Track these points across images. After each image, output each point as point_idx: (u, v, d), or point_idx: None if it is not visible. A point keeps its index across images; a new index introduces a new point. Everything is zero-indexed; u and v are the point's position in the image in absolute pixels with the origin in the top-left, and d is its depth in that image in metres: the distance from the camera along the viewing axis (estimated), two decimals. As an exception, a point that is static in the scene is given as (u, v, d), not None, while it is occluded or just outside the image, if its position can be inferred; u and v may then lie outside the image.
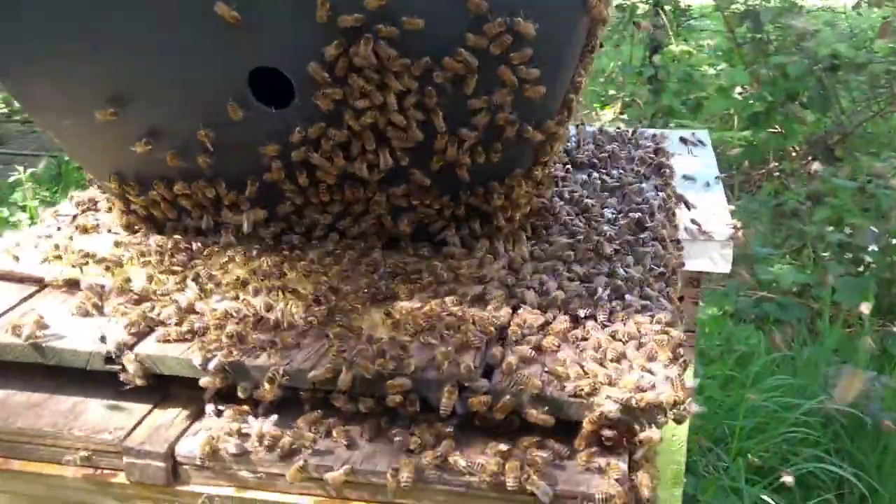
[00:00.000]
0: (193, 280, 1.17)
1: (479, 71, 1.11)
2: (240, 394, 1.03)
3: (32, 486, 1.04)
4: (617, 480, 0.90)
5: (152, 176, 1.28)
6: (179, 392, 1.09)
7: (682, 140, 2.99)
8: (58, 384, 1.10)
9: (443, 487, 0.95)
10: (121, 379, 1.06)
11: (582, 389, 0.94)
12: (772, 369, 3.74)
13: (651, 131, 1.94)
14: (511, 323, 1.08)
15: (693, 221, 2.25)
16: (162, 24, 1.14)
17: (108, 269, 1.20)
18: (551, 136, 1.16)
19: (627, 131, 1.91)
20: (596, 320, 1.09)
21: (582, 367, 0.98)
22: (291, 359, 1.04)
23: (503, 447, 0.94)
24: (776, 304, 4.30)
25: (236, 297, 1.14)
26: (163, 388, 1.09)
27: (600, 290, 1.15)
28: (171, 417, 1.05)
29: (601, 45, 1.26)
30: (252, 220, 1.28)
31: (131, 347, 1.07)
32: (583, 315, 1.10)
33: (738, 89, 5.20)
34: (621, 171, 1.64)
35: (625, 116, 5.44)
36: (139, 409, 1.06)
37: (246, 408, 1.03)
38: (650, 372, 0.99)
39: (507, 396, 0.96)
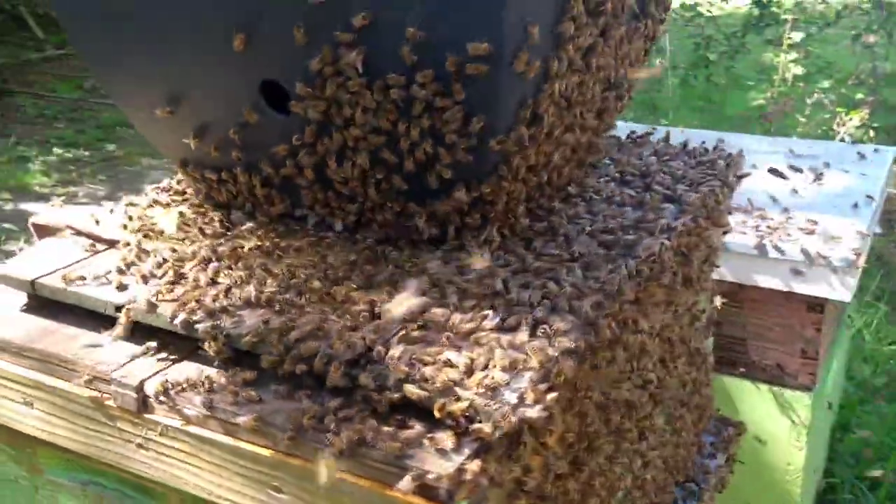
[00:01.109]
0: (201, 252, 1.42)
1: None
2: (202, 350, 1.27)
3: (57, 399, 1.34)
4: (446, 460, 1.01)
5: (205, 165, 1.55)
6: (172, 342, 1.34)
7: (860, 155, 2.82)
8: (94, 324, 1.40)
9: (318, 446, 1.11)
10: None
11: (427, 379, 1.06)
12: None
13: (733, 148, 1.89)
14: (416, 318, 1.20)
15: (803, 250, 2.17)
16: (199, 40, 1.39)
17: (147, 236, 1.49)
18: (497, 153, 1.26)
19: (707, 149, 1.89)
20: (504, 323, 1.18)
21: (449, 360, 1.09)
22: (240, 324, 1.25)
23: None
24: None
25: (229, 268, 1.37)
26: (161, 337, 1.34)
27: (531, 297, 1.24)
28: (155, 360, 1.31)
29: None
30: (274, 212, 1.52)
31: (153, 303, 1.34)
32: (495, 317, 1.19)
33: None
34: (663, 188, 1.65)
35: (875, 124, 5.04)
36: (136, 350, 1.33)
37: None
38: (510, 373, 1.07)
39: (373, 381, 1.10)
